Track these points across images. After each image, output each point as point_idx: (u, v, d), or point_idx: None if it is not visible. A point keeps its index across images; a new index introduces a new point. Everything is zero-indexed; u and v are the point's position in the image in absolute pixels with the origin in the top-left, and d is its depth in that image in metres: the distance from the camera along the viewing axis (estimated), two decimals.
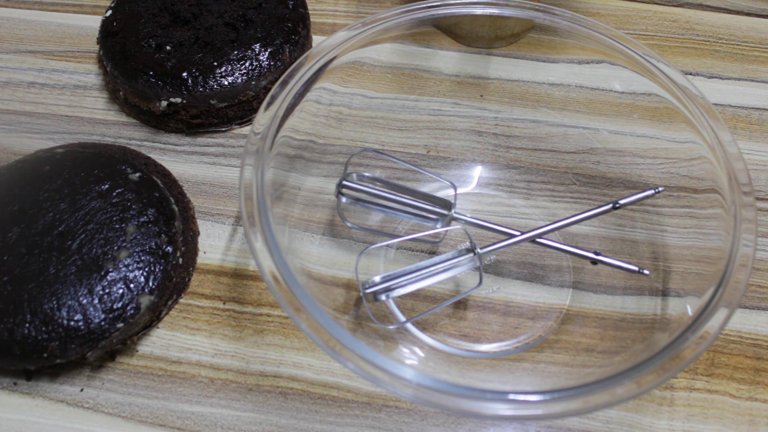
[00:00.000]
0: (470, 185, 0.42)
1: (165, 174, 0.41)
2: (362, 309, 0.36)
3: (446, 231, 0.39)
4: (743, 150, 0.44)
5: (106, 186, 0.37)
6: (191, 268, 0.39)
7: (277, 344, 0.36)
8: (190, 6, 0.46)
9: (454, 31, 0.43)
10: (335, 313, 0.35)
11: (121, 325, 0.34)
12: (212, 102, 0.43)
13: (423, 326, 0.37)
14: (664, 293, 0.35)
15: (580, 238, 0.39)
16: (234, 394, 0.35)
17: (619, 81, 0.39)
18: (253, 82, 0.43)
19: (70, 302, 0.34)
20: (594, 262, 0.35)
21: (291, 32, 0.45)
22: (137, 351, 0.36)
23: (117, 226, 0.36)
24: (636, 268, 0.34)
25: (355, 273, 0.37)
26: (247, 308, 0.38)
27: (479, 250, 0.34)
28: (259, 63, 0.43)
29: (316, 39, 0.50)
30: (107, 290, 0.34)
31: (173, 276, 0.36)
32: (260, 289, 0.38)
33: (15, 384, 0.35)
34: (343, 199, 0.36)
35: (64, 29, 0.50)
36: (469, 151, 0.43)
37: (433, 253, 0.39)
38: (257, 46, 0.44)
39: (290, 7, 0.47)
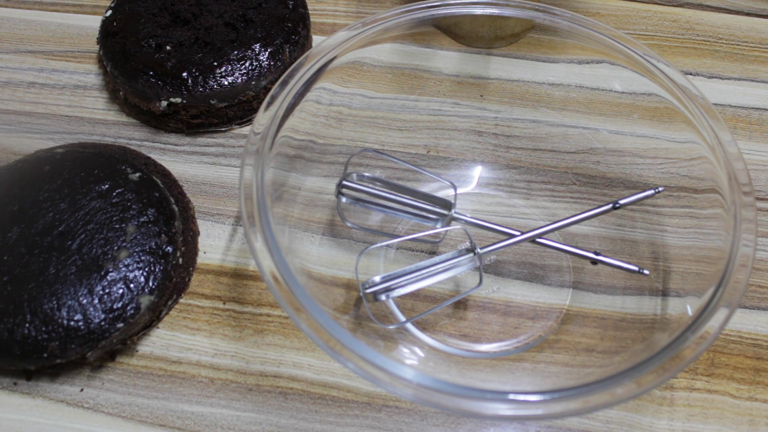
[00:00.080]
0: (470, 185, 0.42)
1: (165, 174, 0.41)
2: (362, 309, 0.36)
3: (446, 231, 0.39)
4: (743, 150, 0.44)
5: (106, 186, 0.37)
6: (191, 268, 0.39)
7: (277, 344, 0.36)
8: (190, 6, 0.46)
9: (454, 31, 0.43)
10: (335, 313, 0.35)
11: (121, 325, 0.34)
12: (212, 102, 0.43)
13: (423, 326, 0.37)
14: (664, 293, 0.35)
15: (580, 238, 0.39)
16: (234, 394, 0.35)
17: (619, 81, 0.39)
18: (253, 82, 0.43)
19: (70, 302, 0.34)
20: (594, 262, 0.35)
21: (291, 32, 0.45)
22: (137, 351, 0.36)
23: (117, 226, 0.36)
24: (636, 268, 0.34)
25: (355, 273, 0.37)
26: (247, 308, 0.38)
27: (479, 250, 0.34)
28: (259, 63, 0.43)
29: (316, 39, 0.49)
30: (107, 290, 0.34)
31: (173, 276, 0.36)
32: (260, 289, 0.38)
33: (15, 384, 0.35)
34: (343, 199, 0.36)
35: (64, 29, 0.50)
36: (469, 151, 0.43)
37: (433, 253, 0.39)
38: (257, 46, 0.44)
39: (290, 7, 0.47)
